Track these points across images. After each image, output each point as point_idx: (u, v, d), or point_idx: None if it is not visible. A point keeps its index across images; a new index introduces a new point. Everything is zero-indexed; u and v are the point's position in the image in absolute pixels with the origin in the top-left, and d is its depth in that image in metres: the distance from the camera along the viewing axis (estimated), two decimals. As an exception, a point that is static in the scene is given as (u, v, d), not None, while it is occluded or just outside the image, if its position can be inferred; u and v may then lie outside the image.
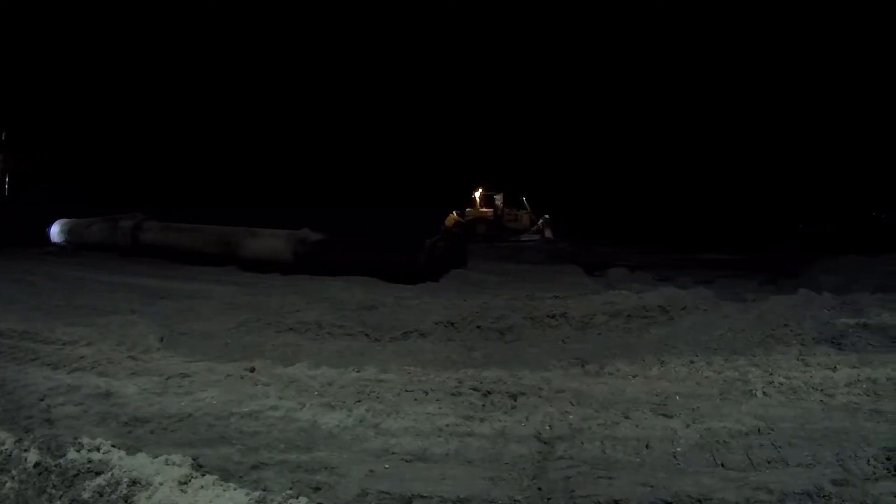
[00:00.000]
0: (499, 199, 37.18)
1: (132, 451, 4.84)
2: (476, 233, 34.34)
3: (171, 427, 6.22)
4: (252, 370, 7.91)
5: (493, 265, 20.78)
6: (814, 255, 23.72)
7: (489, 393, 7.00)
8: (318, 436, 6.02)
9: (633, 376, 7.70)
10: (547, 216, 37.35)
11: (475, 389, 7.09)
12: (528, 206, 37.64)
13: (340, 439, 5.95)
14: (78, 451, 4.73)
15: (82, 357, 8.56)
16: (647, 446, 5.64)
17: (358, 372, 7.82)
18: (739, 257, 27.90)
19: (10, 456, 4.74)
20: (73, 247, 26.11)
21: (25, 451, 4.75)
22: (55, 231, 28.10)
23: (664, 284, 14.74)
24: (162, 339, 9.52)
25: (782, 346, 8.90)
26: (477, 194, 37.72)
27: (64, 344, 9.25)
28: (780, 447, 5.57)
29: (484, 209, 37.34)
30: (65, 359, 8.55)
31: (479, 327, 10.45)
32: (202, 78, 57.63)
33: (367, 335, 10.34)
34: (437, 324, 10.53)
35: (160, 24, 55.84)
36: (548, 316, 10.74)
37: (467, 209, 37.68)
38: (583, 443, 5.75)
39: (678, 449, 5.60)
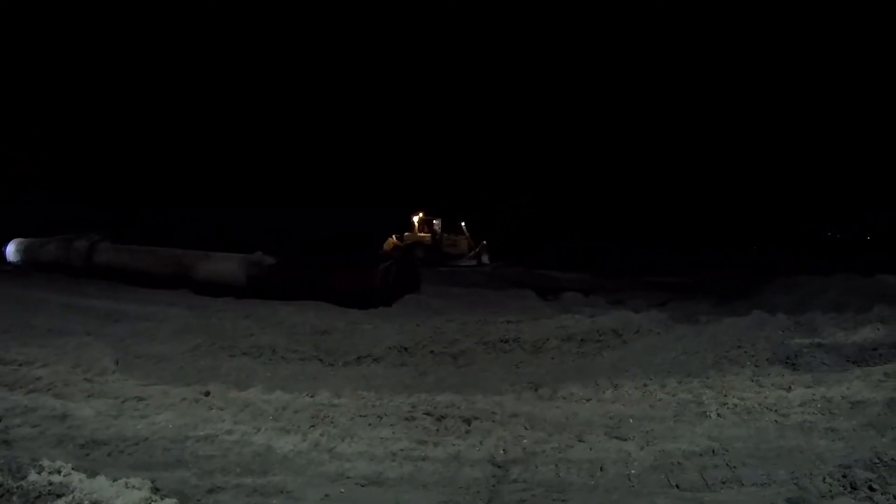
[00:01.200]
0: (437, 224, 37.42)
1: (92, 473, 4.85)
2: (414, 256, 34.50)
3: (128, 450, 6.18)
4: (207, 394, 7.86)
5: (446, 289, 20.82)
6: (767, 276, 23.98)
7: (443, 417, 6.98)
8: (273, 460, 6.00)
9: (587, 400, 7.69)
10: (484, 242, 37.72)
11: (429, 414, 7.08)
12: (466, 231, 37.96)
13: (295, 463, 5.94)
14: (39, 473, 4.75)
15: (38, 378, 8.46)
16: (601, 469, 5.64)
17: (312, 396, 7.81)
18: (692, 279, 28.17)
19: None
20: (29, 266, 25.92)
21: None
22: (10, 250, 27.89)
23: (617, 308, 14.88)
24: (117, 362, 9.46)
25: (736, 367, 8.97)
26: (416, 218, 37.96)
27: (20, 364, 9.11)
28: (734, 467, 5.59)
29: (422, 234, 37.58)
30: (21, 379, 8.45)
31: (431, 352, 10.48)
32: (179, 78, 57.64)
33: (320, 360, 10.34)
34: (390, 348, 10.56)
35: (151, 26, 55.94)
36: (501, 340, 10.79)
37: (406, 233, 37.92)
38: (537, 466, 5.75)
39: (632, 471, 5.60)
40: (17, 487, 4.60)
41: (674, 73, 64.89)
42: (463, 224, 37.65)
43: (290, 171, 57.49)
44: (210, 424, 6.78)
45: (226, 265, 20.32)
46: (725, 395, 7.52)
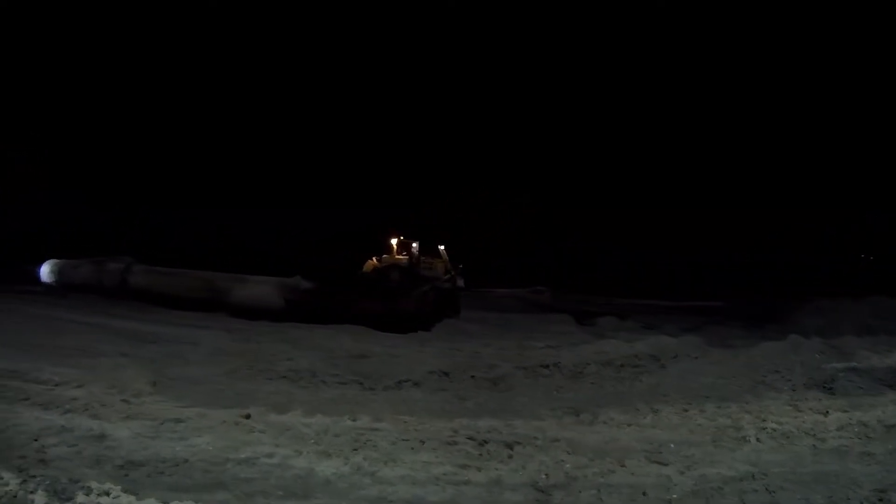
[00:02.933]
0: (415, 247, 37.50)
1: (141, 496, 4.84)
2: (389, 278, 34.54)
3: (167, 471, 6.18)
4: (247, 417, 7.88)
5: (484, 314, 20.76)
6: (797, 299, 23.86)
7: (485, 442, 7.00)
8: (314, 483, 5.98)
9: (627, 425, 7.74)
10: (461, 265, 37.85)
11: (471, 438, 7.10)
12: (444, 255, 38.04)
13: (337, 487, 5.92)
14: (87, 494, 4.72)
15: (74, 399, 8.53)
16: (643, 493, 5.66)
17: (353, 420, 7.81)
18: (722, 303, 28.06)
19: (15, 497, 4.70)
20: (62, 287, 26.08)
21: (32, 492, 4.71)
22: (44, 271, 28.10)
23: (653, 333, 14.82)
24: (154, 384, 9.50)
25: (773, 391, 9.02)
26: (393, 241, 38.07)
27: (55, 385, 9.20)
28: (772, 492, 5.63)
29: (399, 256, 37.69)
30: (56, 399, 8.51)
31: (472, 377, 10.51)
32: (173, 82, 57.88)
33: (360, 384, 10.35)
34: (430, 373, 10.59)
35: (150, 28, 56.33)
36: (540, 365, 10.80)
37: (383, 255, 38.05)
38: (579, 491, 5.75)
39: (673, 496, 5.63)
40: (64, 509, 4.57)
41: (676, 73, 64.62)
42: (441, 248, 37.74)
43: (289, 171, 57.42)
44: (250, 447, 6.80)
45: (262, 289, 20.42)
46: (763, 420, 7.58)
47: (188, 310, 19.83)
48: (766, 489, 5.68)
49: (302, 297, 19.39)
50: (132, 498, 4.76)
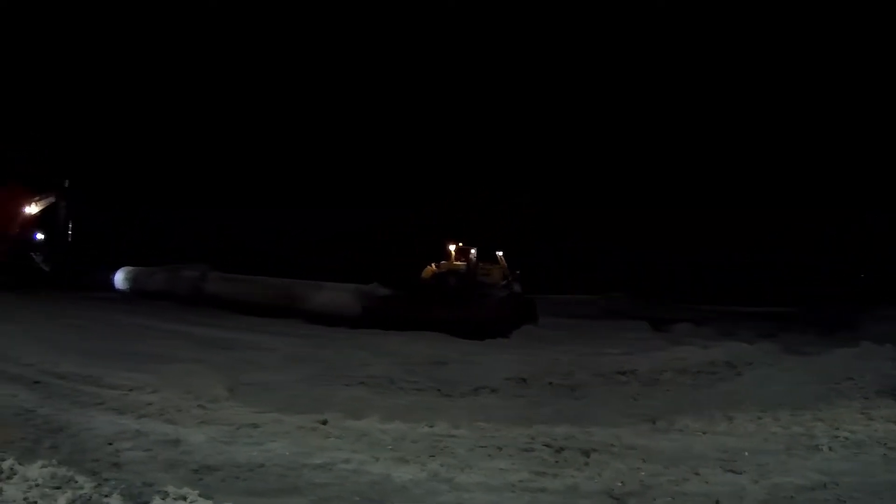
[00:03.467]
0: (473, 253, 37.39)
1: (217, 500, 4.94)
2: (448, 284, 34.44)
3: (242, 476, 6.29)
4: (324, 423, 8.00)
5: (561, 320, 20.80)
6: (867, 305, 23.60)
7: (561, 449, 7.08)
8: (390, 489, 6.04)
9: (702, 432, 7.80)
10: (518, 272, 37.67)
11: (547, 446, 7.18)
12: (501, 261, 37.88)
13: (413, 493, 5.98)
14: (163, 499, 4.77)
15: (149, 404, 8.75)
16: (715, 502, 5.71)
17: (430, 427, 7.90)
18: (795, 309, 27.76)
19: (89, 500, 4.72)
20: (136, 294, 26.55)
21: (106, 496, 4.75)
22: (119, 278, 28.63)
23: (729, 339, 14.75)
24: (230, 389, 9.72)
25: (845, 399, 9.00)
26: (452, 247, 37.99)
27: (129, 390, 9.46)
28: (844, 501, 5.66)
29: (457, 262, 37.61)
30: (130, 404, 8.75)
31: (549, 383, 10.60)
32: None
33: (437, 390, 10.52)
34: (507, 379, 10.71)
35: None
36: (617, 372, 10.89)
37: (441, 262, 37.96)
38: (654, 499, 5.80)
39: None
40: (140, 514, 4.68)
41: (676, 73, 63.81)
42: (500, 254, 37.59)
43: (289, 171, 57.48)
44: (326, 453, 6.90)
45: (339, 295, 20.64)
46: (836, 428, 7.61)
47: (264, 316, 20.08)
48: (838, 499, 5.71)
49: (379, 303, 19.54)
50: (209, 502, 4.83)
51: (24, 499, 4.75)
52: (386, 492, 5.97)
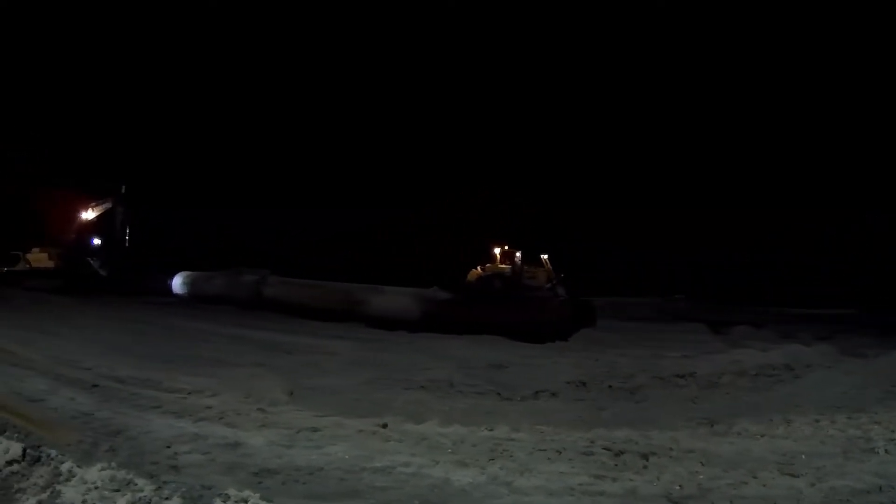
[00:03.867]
0: (518, 257, 37.41)
1: (278, 502, 5.06)
2: (493, 287, 34.43)
3: (302, 479, 6.36)
4: (384, 426, 8.10)
5: (620, 324, 20.75)
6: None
7: (621, 453, 7.14)
8: (450, 492, 6.10)
9: (760, 435, 7.82)
10: (562, 275, 37.65)
11: (607, 449, 7.25)
12: (546, 264, 37.84)
13: (473, 497, 6.03)
14: (224, 501, 4.88)
15: (208, 407, 8.91)
16: None
17: (490, 430, 7.98)
18: (852, 311, 27.47)
19: (149, 503, 4.83)
20: (195, 298, 26.84)
21: (166, 498, 4.87)
22: (177, 283, 28.98)
23: (787, 341, 14.70)
24: (290, 393, 9.85)
25: (903, 402, 8.96)
26: (497, 250, 38.04)
27: (188, 393, 9.65)
28: (900, 505, 5.66)
29: (502, 265, 37.64)
30: (189, 408, 8.89)
31: (609, 387, 10.65)
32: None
33: (497, 394, 10.59)
34: (567, 383, 10.77)
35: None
36: (676, 375, 10.89)
37: (487, 265, 37.98)
38: (712, 502, 5.86)
39: None
40: (200, 516, 4.76)
41: (676, 73, 63.12)
42: (544, 257, 37.56)
43: (289, 171, 57.49)
44: (386, 456, 6.97)
45: (399, 300, 20.74)
46: (893, 431, 7.62)
47: (324, 320, 20.20)
48: (893, 502, 5.75)
49: (439, 307, 19.62)
50: None
51: (83, 501, 4.89)
52: (445, 495, 6.04)
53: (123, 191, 36.76)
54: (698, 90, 61.70)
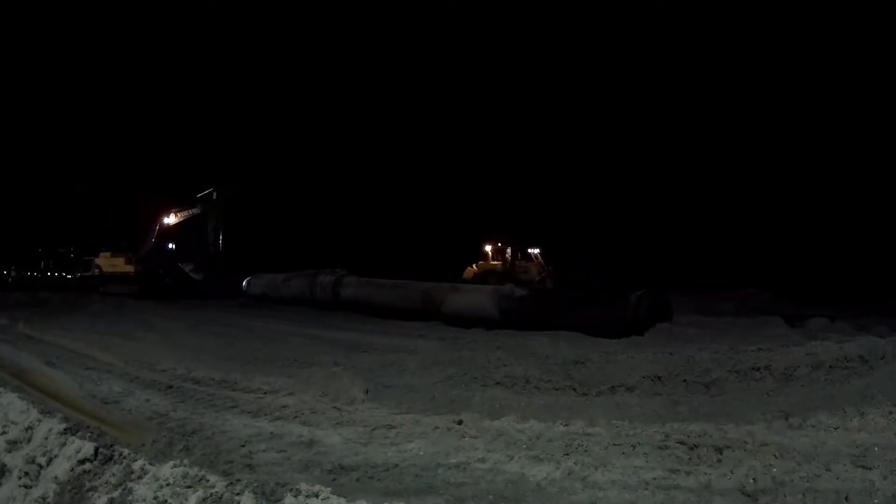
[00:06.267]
0: (509, 252, 37.60)
1: (352, 498, 5.07)
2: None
3: (377, 476, 6.52)
4: (460, 423, 8.26)
5: (697, 318, 20.71)
6: None
7: (695, 446, 7.21)
8: (525, 488, 6.23)
9: (835, 428, 7.83)
10: (551, 268, 37.78)
11: (681, 443, 7.33)
12: (537, 258, 38.02)
13: (548, 492, 6.16)
14: (295, 496, 4.98)
15: (284, 406, 9.16)
16: (846, 499, 5.83)
17: (566, 426, 8.09)
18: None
19: (220, 498, 5.02)
20: (270, 301, 27.25)
21: (238, 494, 5.02)
22: (251, 284, 29.42)
23: (862, 334, 14.67)
24: (367, 391, 10.00)
25: (978, 393, 8.92)
26: (488, 248, 38.31)
27: (265, 393, 9.96)
28: (974, 496, 5.69)
29: (494, 262, 37.85)
30: (265, 407, 9.16)
31: (684, 381, 10.69)
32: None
33: (574, 389, 10.68)
34: (643, 378, 10.82)
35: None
36: (751, 368, 10.88)
37: (480, 262, 38.21)
38: (785, 496, 5.94)
39: (875, 501, 5.79)
40: (272, 510, 4.93)
41: (676, 73, 62.19)
42: (536, 251, 37.83)
43: (288, 171, 57.78)
44: (462, 452, 7.15)
45: (476, 297, 20.93)
46: (967, 421, 7.60)
47: (402, 320, 20.41)
48: (966, 493, 5.76)
49: (516, 304, 19.74)
50: (342, 500, 4.97)
51: (155, 497, 5.13)
52: (521, 490, 6.16)
53: (215, 196, 37.38)
54: (697, 90, 61.16)
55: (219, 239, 37.44)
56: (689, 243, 51.13)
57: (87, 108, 59.35)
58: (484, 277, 36.53)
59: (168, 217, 37.61)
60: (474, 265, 38.50)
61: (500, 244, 38.81)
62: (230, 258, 37.37)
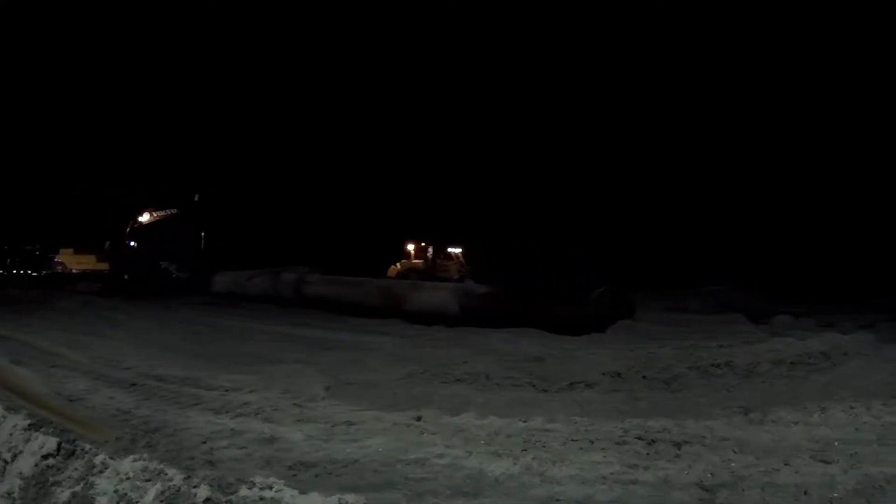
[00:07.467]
0: (429, 251, 38.12)
1: (304, 490, 5.04)
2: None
3: (337, 472, 6.47)
4: (419, 419, 8.19)
5: (659, 315, 20.73)
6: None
7: (654, 442, 7.16)
8: (484, 483, 6.18)
9: (795, 423, 7.79)
10: (470, 267, 38.47)
11: (640, 438, 7.26)
12: (457, 257, 38.59)
13: (506, 486, 6.10)
14: (249, 489, 4.96)
15: (246, 403, 9.02)
16: (805, 493, 5.75)
17: (525, 422, 8.03)
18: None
19: (178, 491, 4.96)
20: (236, 298, 27.10)
21: (195, 487, 4.97)
22: (217, 282, 29.28)
23: (826, 330, 14.63)
24: (328, 388, 9.89)
25: (941, 389, 8.89)
26: (409, 247, 38.77)
27: (227, 390, 9.77)
28: (936, 491, 5.63)
29: (415, 261, 38.39)
30: (228, 405, 9.01)
31: (644, 377, 10.62)
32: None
33: (534, 386, 10.53)
34: (603, 374, 10.74)
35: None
36: (712, 365, 10.84)
37: (403, 260, 38.69)
38: (743, 490, 5.87)
39: (835, 494, 5.71)
40: (227, 502, 4.86)
41: (676, 73, 62.56)
42: (457, 251, 38.39)
43: (288, 171, 57.95)
44: (422, 448, 7.08)
45: (438, 294, 20.92)
46: (930, 417, 7.57)
47: (364, 317, 20.34)
48: (929, 488, 5.69)
49: (478, 301, 19.69)
50: (294, 492, 4.96)
51: (115, 491, 5.08)
52: (479, 485, 6.10)
53: (196, 199, 37.47)
54: (698, 90, 61.37)
55: (201, 239, 37.59)
56: (685, 241, 51.17)
57: (86, 108, 58.90)
58: (406, 275, 36.99)
59: (142, 216, 37.60)
60: (397, 263, 38.87)
61: (422, 244, 39.21)
62: (212, 257, 37.34)
